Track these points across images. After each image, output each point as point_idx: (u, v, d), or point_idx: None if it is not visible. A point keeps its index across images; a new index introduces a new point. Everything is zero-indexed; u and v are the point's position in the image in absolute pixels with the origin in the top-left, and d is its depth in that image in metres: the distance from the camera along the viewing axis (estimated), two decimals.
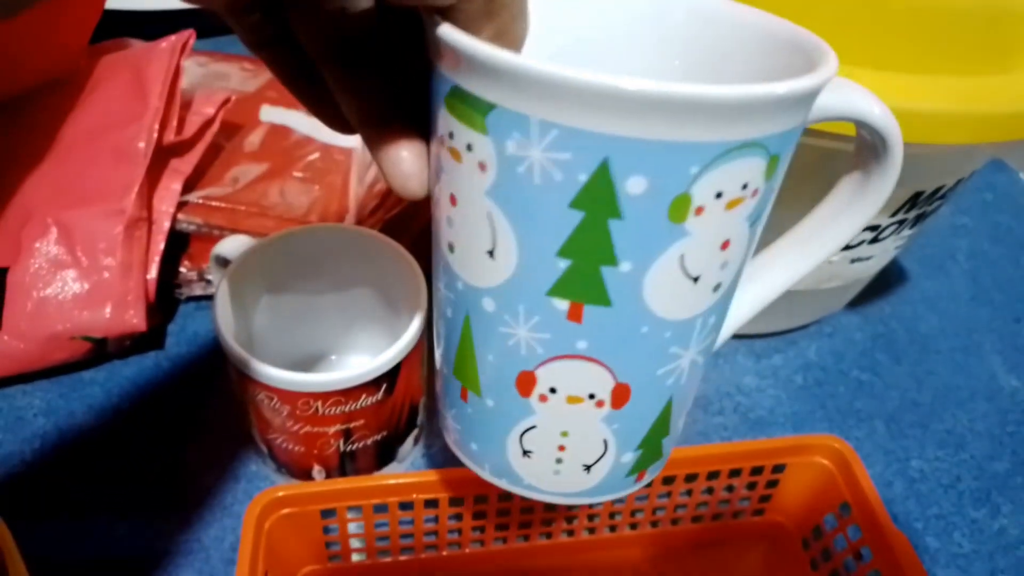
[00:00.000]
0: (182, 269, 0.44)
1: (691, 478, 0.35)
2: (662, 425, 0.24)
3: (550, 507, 0.35)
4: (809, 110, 0.19)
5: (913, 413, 0.45)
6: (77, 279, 0.39)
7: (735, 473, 0.35)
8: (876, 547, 0.32)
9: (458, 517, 0.34)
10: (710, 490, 0.36)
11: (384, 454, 0.36)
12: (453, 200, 0.20)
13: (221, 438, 0.40)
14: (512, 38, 0.19)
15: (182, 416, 0.41)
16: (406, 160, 0.20)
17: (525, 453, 0.23)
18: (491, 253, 0.19)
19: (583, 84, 0.16)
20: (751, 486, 0.36)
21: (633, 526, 0.37)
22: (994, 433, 0.44)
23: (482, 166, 0.18)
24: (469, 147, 0.18)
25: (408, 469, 0.39)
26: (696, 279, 0.19)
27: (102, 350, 0.41)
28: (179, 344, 0.44)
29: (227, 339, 0.31)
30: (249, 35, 0.21)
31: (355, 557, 0.35)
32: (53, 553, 0.35)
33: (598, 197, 0.17)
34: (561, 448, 0.23)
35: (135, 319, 0.40)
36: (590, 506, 0.35)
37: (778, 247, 0.26)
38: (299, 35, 0.20)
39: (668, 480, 0.35)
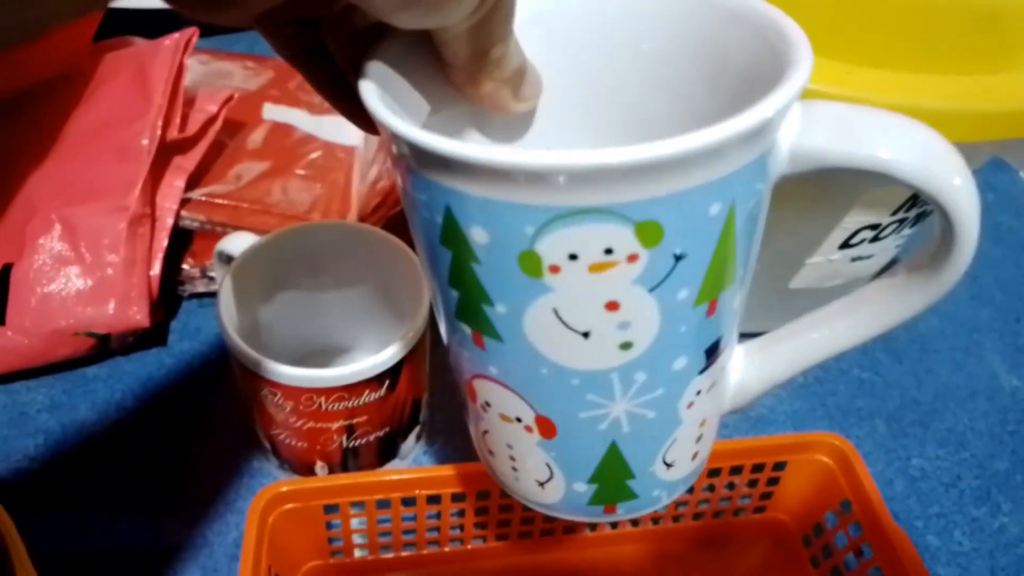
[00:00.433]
0: (185, 266, 0.44)
1: None
2: (616, 467, 0.23)
3: None
4: (709, 170, 0.17)
5: (914, 412, 0.45)
6: (81, 275, 0.39)
7: (736, 471, 0.35)
8: (877, 544, 0.32)
9: (461, 513, 0.34)
10: (711, 487, 0.36)
11: (386, 450, 0.36)
12: None
13: (224, 434, 0.40)
14: (495, 29, 0.19)
15: (185, 412, 0.41)
16: None
17: (490, 452, 0.25)
18: (424, 267, 0.21)
19: (419, 143, 0.17)
20: (752, 483, 0.36)
21: (635, 523, 0.37)
22: (995, 432, 0.45)
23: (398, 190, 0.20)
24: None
25: (410, 466, 0.39)
26: (585, 334, 0.19)
27: (105, 346, 0.41)
28: (182, 341, 0.44)
29: (231, 334, 0.31)
30: (283, 45, 0.21)
31: (357, 553, 0.35)
32: (56, 548, 0.35)
33: (455, 240, 0.18)
34: (512, 458, 0.24)
35: (138, 315, 0.40)
36: None
37: (825, 312, 0.24)
38: (330, 47, 0.21)
39: None
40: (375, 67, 0.19)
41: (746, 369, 0.25)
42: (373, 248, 0.37)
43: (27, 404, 0.41)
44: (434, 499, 0.33)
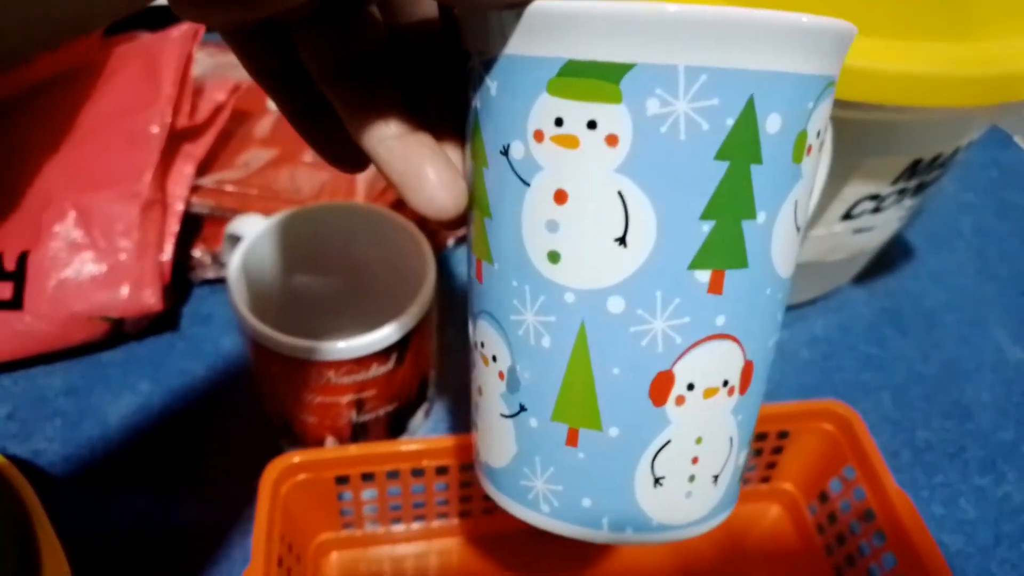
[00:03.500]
0: (195, 252, 0.45)
1: None
2: (756, 415, 0.22)
3: None
4: None
5: (919, 385, 0.46)
6: (95, 260, 0.40)
7: None
8: (880, 508, 0.33)
9: (468, 484, 0.35)
10: None
11: (395, 426, 0.37)
12: (561, 197, 0.18)
13: (236, 414, 0.41)
14: None
15: (197, 394, 0.42)
16: (431, 175, 0.19)
17: (657, 482, 0.20)
18: (622, 240, 0.18)
19: (736, 20, 0.16)
20: (757, 453, 0.37)
21: None
22: (999, 404, 0.45)
23: (611, 140, 0.17)
24: (592, 124, 0.17)
25: None
26: (799, 229, 0.19)
27: (119, 330, 0.42)
28: (193, 325, 0.45)
29: (242, 310, 0.32)
30: (250, 62, 0.20)
31: (369, 525, 0.35)
32: (76, 526, 0.36)
33: (743, 142, 0.17)
34: (695, 461, 0.20)
35: (151, 299, 0.41)
36: None
37: None
38: (305, 59, 0.19)
39: None
40: None
41: None
42: (381, 227, 0.37)
43: (45, 388, 0.41)
44: (443, 470, 0.34)
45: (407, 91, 0.20)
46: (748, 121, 0.17)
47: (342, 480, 0.33)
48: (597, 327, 0.18)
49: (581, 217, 0.18)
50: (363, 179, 0.46)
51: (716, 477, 0.21)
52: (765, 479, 0.38)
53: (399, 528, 0.36)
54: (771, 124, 0.17)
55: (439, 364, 0.43)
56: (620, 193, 0.17)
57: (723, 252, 0.18)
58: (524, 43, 0.17)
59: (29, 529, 0.28)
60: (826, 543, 0.36)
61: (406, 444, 0.33)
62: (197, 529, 0.36)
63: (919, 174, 0.38)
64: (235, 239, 0.37)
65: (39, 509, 0.28)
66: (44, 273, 0.40)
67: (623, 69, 0.16)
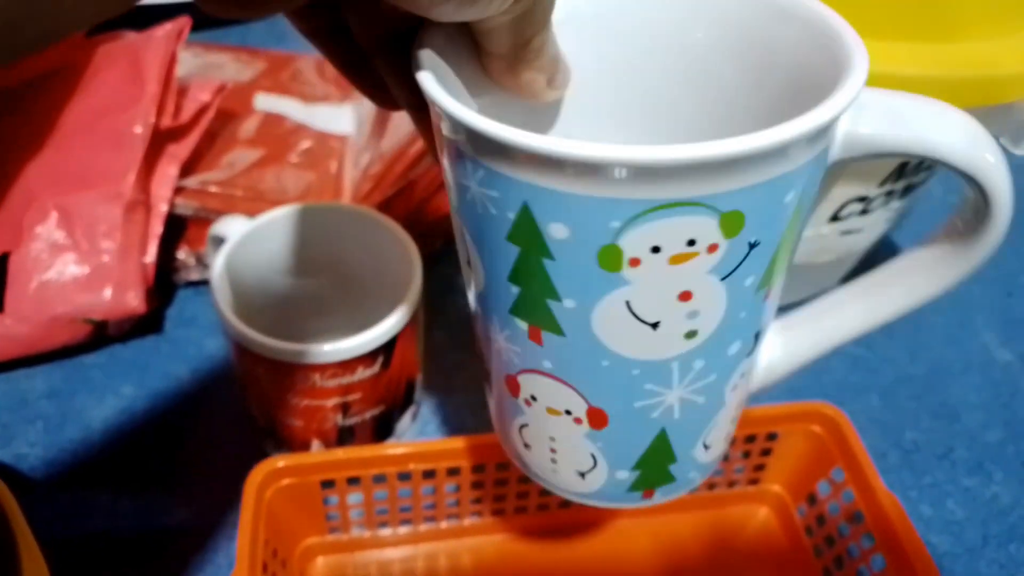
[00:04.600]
0: (180, 254, 0.44)
1: None
2: (661, 453, 0.23)
3: None
4: (786, 162, 0.17)
5: (907, 386, 0.46)
6: (77, 262, 0.40)
7: (729, 442, 0.36)
8: (869, 509, 0.32)
9: (456, 488, 0.35)
10: None
11: (382, 429, 0.37)
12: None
13: (221, 418, 0.40)
14: (537, 19, 0.19)
15: (182, 397, 0.41)
16: None
17: (526, 446, 0.24)
18: (469, 263, 0.21)
19: (499, 137, 0.16)
20: (745, 455, 0.37)
21: None
22: (987, 404, 0.45)
23: (448, 184, 0.20)
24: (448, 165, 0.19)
25: None
26: (655, 325, 0.19)
27: (103, 333, 0.42)
28: (177, 328, 0.44)
29: (225, 312, 0.32)
30: (304, 24, 0.21)
31: (355, 529, 0.35)
32: (58, 530, 0.36)
33: (527, 236, 0.18)
34: (552, 451, 0.24)
35: (134, 301, 0.40)
36: None
37: (847, 290, 0.24)
38: (352, 26, 0.21)
39: None
40: (427, 56, 0.19)
41: (774, 349, 0.25)
42: (366, 229, 0.37)
43: (27, 391, 0.41)
44: (429, 474, 0.33)
45: None
46: (528, 222, 0.17)
47: (328, 484, 0.33)
48: (476, 318, 0.23)
49: (456, 230, 0.21)
50: (349, 181, 0.46)
51: (582, 474, 0.24)
52: (753, 481, 0.38)
53: (386, 532, 0.35)
54: (556, 231, 0.17)
55: (426, 366, 0.42)
56: (460, 229, 0.20)
57: (534, 315, 0.19)
58: None
59: (8, 534, 0.28)
60: (815, 545, 0.36)
61: (392, 447, 0.33)
62: (181, 533, 0.36)
63: (906, 176, 0.38)
64: (219, 240, 0.37)
65: (18, 514, 0.28)
66: (26, 275, 0.40)
67: (450, 135, 0.18)
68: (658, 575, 0.35)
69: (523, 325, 0.20)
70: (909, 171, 0.37)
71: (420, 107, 0.21)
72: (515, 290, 0.19)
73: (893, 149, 0.19)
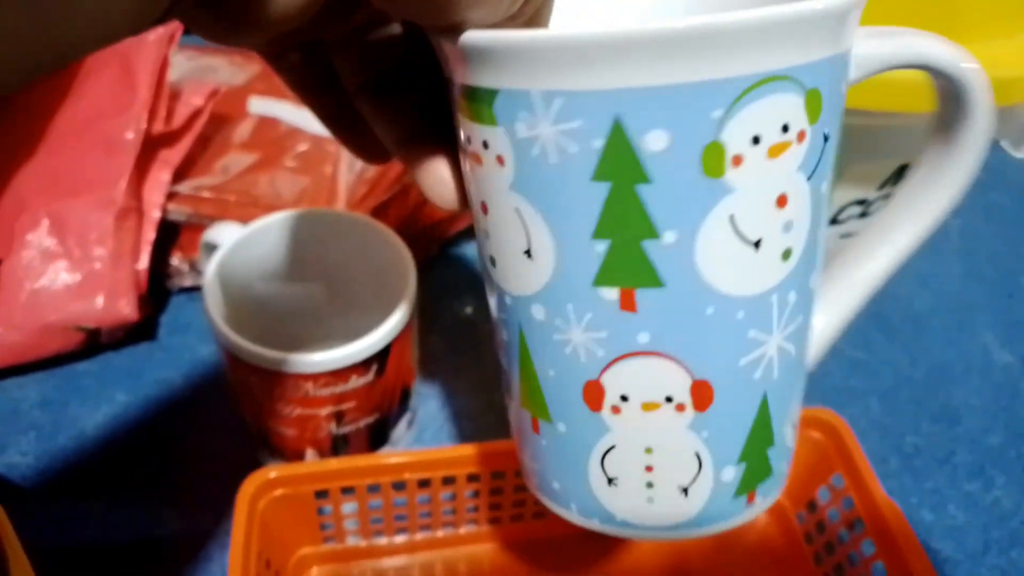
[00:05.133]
0: (173, 260, 0.44)
1: None
2: (763, 430, 0.20)
3: None
4: (842, 40, 0.17)
5: (907, 389, 0.45)
6: (69, 269, 0.39)
7: None
8: (868, 516, 0.32)
9: (452, 496, 0.34)
10: None
11: (377, 437, 0.36)
12: (485, 209, 0.19)
13: (215, 426, 0.40)
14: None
15: (176, 405, 0.41)
16: (444, 174, 0.21)
17: (610, 481, 0.20)
18: (528, 253, 0.18)
19: (579, 40, 0.15)
20: None
21: None
22: (988, 407, 0.45)
23: (500, 160, 0.17)
24: (485, 144, 0.17)
25: None
26: (757, 244, 0.17)
27: (95, 340, 0.41)
28: (172, 335, 0.44)
29: (217, 321, 0.31)
30: (290, 72, 0.22)
31: (350, 539, 0.35)
32: (51, 540, 0.35)
33: (619, 162, 0.16)
34: (648, 469, 0.20)
35: (127, 308, 0.40)
36: None
37: (864, 237, 0.23)
38: (340, 70, 0.21)
39: None
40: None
41: (818, 314, 0.23)
42: (360, 234, 0.36)
43: (19, 400, 0.41)
44: (425, 483, 0.33)
45: (424, 93, 0.22)
46: (620, 141, 0.16)
47: (321, 494, 0.32)
48: (529, 330, 0.20)
49: (497, 229, 0.19)
50: (344, 185, 0.45)
51: (685, 489, 0.20)
52: None
53: (382, 541, 0.35)
54: (653, 142, 0.16)
55: (422, 373, 0.42)
56: (517, 210, 0.18)
57: (627, 271, 0.17)
58: (445, 66, 0.18)
59: None
60: (815, 552, 0.36)
61: (386, 457, 0.32)
62: (175, 543, 0.36)
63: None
64: (211, 247, 0.36)
65: (6, 525, 0.28)
66: (17, 282, 0.39)
67: (492, 94, 0.17)
68: None
69: (612, 294, 0.18)
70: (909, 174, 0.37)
71: (411, 144, 0.21)
72: (602, 247, 0.17)
73: (891, 62, 0.19)
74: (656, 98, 0.15)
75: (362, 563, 0.35)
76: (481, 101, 0.17)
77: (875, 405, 0.44)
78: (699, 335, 0.18)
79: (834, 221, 0.39)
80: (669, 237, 0.17)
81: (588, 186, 0.16)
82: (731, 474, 0.21)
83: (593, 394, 0.19)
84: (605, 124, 0.16)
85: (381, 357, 0.33)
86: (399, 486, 0.33)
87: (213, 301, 0.32)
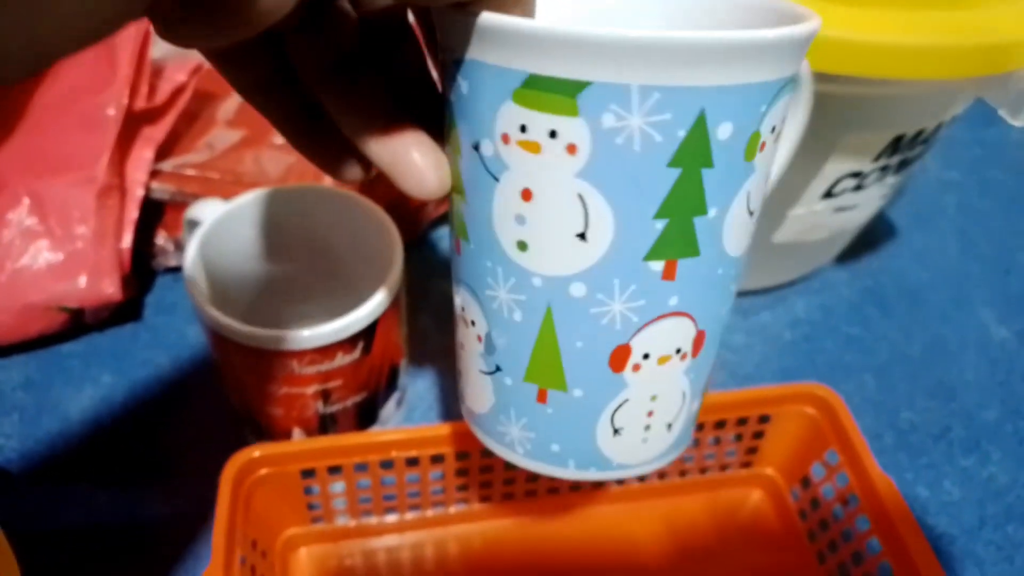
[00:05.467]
0: (158, 240, 0.43)
1: None
2: (712, 364, 0.24)
3: None
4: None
5: (903, 366, 0.45)
6: (51, 249, 0.39)
7: (720, 425, 0.35)
8: (863, 492, 0.32)
9: (441, 475, 0.34)
10: (696, 443, 0.35)
11: (365, 416, 0.36)
12: (527, 195, 0.19)
13: (201, 407, 0.39)
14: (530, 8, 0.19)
15: (161, 386, 0.40)
16: (417, 159, 0.20)
17: (616, 432, 0.23)
18: (583, 236, 0.19)
19: (684, 44, 0.16)
20: (738, 438, 0.36)
21: (620, 481, 0.36)
22: (984, 383, 0.44)
23: (571, 149, 0.18)
24: (553, 134, 0.18)
25: None
26: (752, 213, 0.21)
27: (79, 321, 0.41)
28: (157, 315, 0.43)
29: (198, 298, 0.31)
30: (243, 76, 0.20)
31: (339, 519, 0.34)
32: (35, 523, 0.35)
33: (695, 150, 0.18)
34: (650, 414, 0.23)
35: (110, 288, 0.39)
36: None
37: None
38: (298, 62, 0.20)
39: None
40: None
41: None
42: (347, 211, 0.36)
43: (2, 382, 0.40)
44: (413, 461, 0.33)
45: (388, 78, 0.21)
46: (700, 132, 0.18)
47: (308, 473, 0.32)
48: (562, 308, 0.20)
49: (545, 215, 0.19)
50: None
51: (670, 425, 0.23)
52: (746, 464, 0.37)
53: (371, 521, 0.35)
54: (722, 132, 0.18)
55: (411, 351, 0.41)
56: (580, 196, 0.19)
57: (676, 245, 0.19)
58: (491, 52, 0.18)
59: None
60: (809, 529, 0.35)
61: (373, 435, 0.32)
62: (162, 525, 0.35)
63: (901, 150, 0.37)
64: (194, 224, 0.35)
65: None
66: None
67: (580, 86, 0.17)
68: (649, 561, 0.35)
69: (658, 266, 0.20)
70: (904, 145, 0.36)
71: (380, 131, 0.20)
72: (660, 225, 0.19)
73: None
74: (729, 95, 0.18)
75: (351, 543, 0.35)
76: (560, 92, 0.17)
77: (870, 381, 0.44)
78: (710, 293, 0.21)
79: (828, 194, 0.38)
80: (712, 212, 0.19)
81: (662, 171, 0.18)
82: (697, 404, 0.24)
83: (620, 357, 0.21)
84: (692, 116, 0.17)
85: (367, 334, 0.32)
86: (387, 465, 0.32)
87: (195, 279, 0.32)
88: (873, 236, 0.52)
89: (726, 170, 0.19)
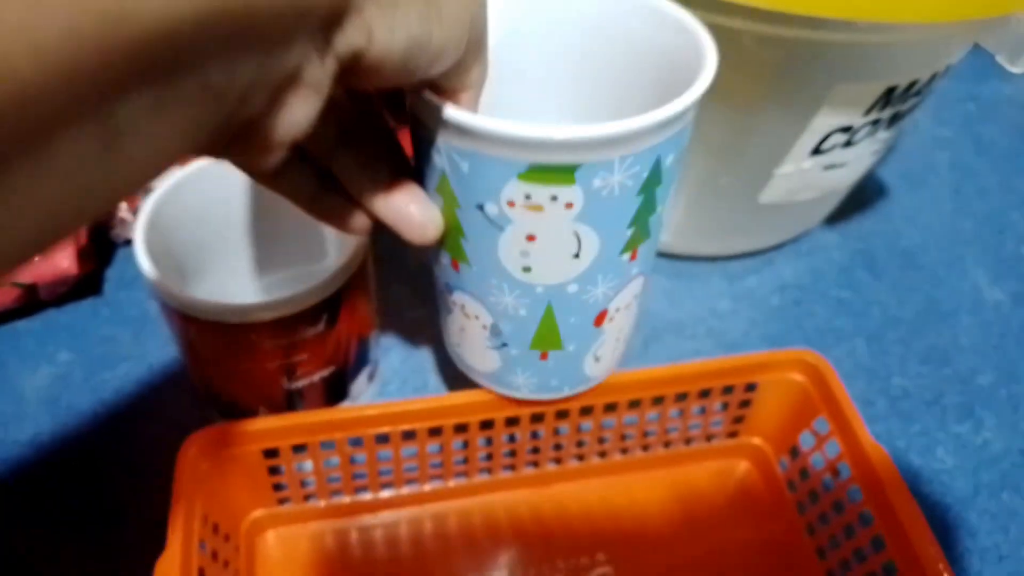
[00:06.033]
0: (118, 210, 0.41)
1: (658, 401, 0.33)
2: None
3: (511, 439, 0.34)
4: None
5: (895, 330, 0.43)
6: None
7: (705, 394, 0.33)
8: (854, 461, 0.30)
9: (412, 453, 0.32)
10: (680, 413, 0.34)
11: (335, 392, 0.34)
12: (531, 238, 0.24)
13: (165, 385, 0.38)
14: (482, 73, 0.23)
15: (122, 363, 0.39)
16: (415, 213, 0.24)
17: (597, 360, 0.29)
18: (576, 255, 0.24)
19: (651, 124, 0.21)
20: (724, 407, 0.34)
21: (602, 454, 0.35)
22: (978, 347, 0.43)
23: (568, 205, 0.23)
24: (554, 197, 0.22)
25: None
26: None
27: (34, 297, 0.39)
28: (118, 290, 0.41)
29: (147, 270, 0.29)
30: (261, 170, 0.22)
31: (309, 500, 0.33)
32: None
33: (653, 179, 0.23)
34: (618, 339, 0.30)
35: (65, 262, 0.37)
36: (555, 432, 0.33)
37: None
38: (307, 144, 0.23)
39: (634, 404, 0.33)
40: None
41: None
42: None
43: None
44: (383, 439, 0.31)
45: (386, 141, 0.24)
46: (656, 168, 0.23)
47: (271, 453, 0.30)
48: (560, 302, 0.26)
49: (547, 249, 0.24)
50: None
51: (627, 339, 0.31)
52: (732, 434, 0.36)
53: (343, 500, 0.33)
54: (668, 161, 0.23)
55: (383, 324, 0.40)
56: (576, 232, 0.24)
57: (639, 238, 0.25)
58: (495, 147, 0.22)
59: None
60: (798, 500, 0.34)
61: (340, 412, 0.30)
62: (125, 508, 0.33)
63: (893, 103, 0.35)
64: (146, 191, 0.33)
65: None
66: None
67: (575, 166, 0.22)
68: (635, 534, 0.33)
69: (627, 255, 0.26)
70: (897, 98, 0.34)
71: (383, 190, 0.24)
72: (630, 231, 0.25)
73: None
74: (672, 138, 0.23)
75: (321, 523, 0.33)
76: (559, 172, 0.22)
77: (861, 346, 0.42)
78: (652, 253, 0.28)
79: (817, 151, 0.37)
80: (660, 209, 0.25)
81: (633, 199, 0.23)
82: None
83: (601, 317, 0.27)
84: (651, 161, 0.23)
85: (331, 305, 0.30)
86: (356, 442, 0.31)
87: (145, 249, 0.30)
88: (863, 196, 0.50)
89: (668, 181, 0.24)
